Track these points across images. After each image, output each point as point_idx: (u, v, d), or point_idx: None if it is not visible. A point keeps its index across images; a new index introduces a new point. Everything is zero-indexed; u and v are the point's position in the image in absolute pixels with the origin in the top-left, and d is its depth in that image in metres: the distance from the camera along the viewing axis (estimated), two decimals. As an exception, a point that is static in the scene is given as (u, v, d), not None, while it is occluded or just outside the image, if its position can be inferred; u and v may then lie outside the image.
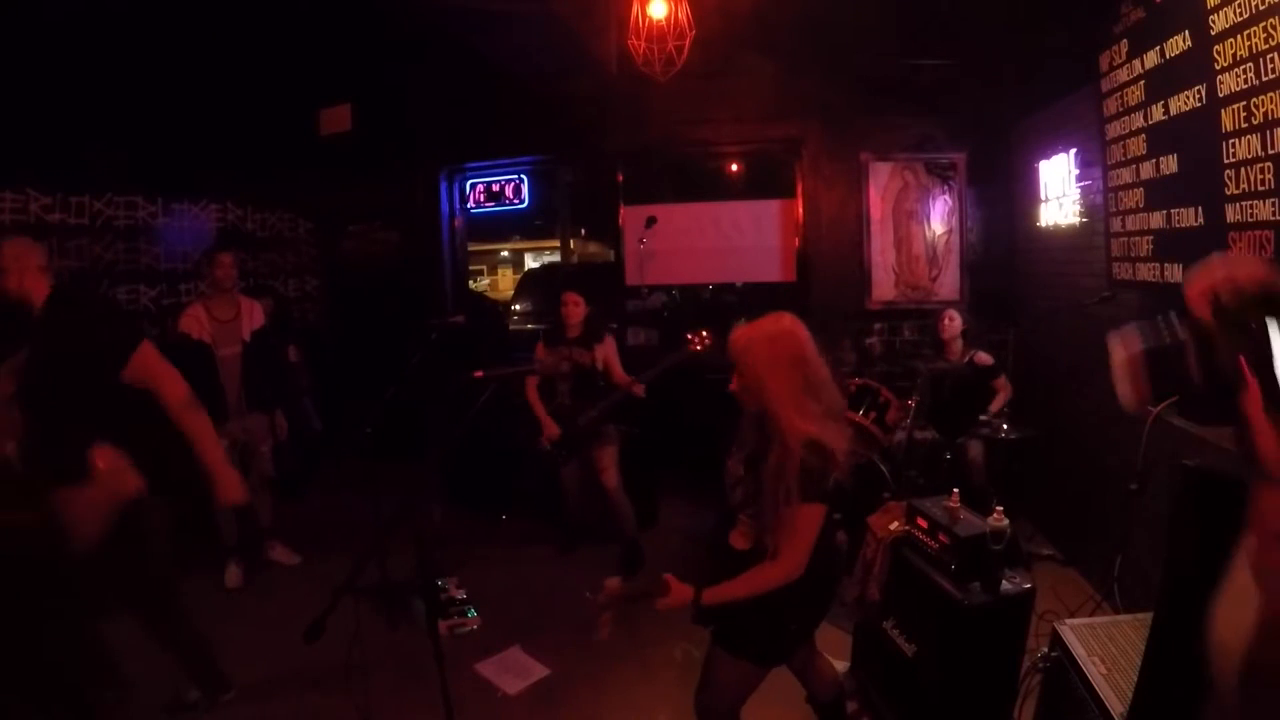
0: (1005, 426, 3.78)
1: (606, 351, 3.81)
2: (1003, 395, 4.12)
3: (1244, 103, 2.31)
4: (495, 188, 6.14)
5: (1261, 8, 2.19)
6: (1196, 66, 2.55)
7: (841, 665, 2.74)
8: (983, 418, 3.97)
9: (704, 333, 3.67)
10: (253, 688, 2.87)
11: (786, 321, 1.88)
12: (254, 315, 3.84)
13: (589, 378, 3.79)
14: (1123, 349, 0.86)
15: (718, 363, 4.03)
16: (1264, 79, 2.20)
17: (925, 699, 2.26)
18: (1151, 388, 0.84)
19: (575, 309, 3.83)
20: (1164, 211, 2.88)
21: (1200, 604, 1.06)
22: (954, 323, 4.28)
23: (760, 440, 1.85)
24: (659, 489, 4.63)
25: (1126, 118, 3.12)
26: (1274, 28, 2.15)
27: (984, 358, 4.18)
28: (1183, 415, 0.88)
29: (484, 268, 14.99)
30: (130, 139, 4.55)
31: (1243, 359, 0.78)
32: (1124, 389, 0.87)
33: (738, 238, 5.45)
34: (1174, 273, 2.86)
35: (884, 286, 5.09)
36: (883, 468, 3.72)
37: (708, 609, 1.85)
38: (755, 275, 5.65)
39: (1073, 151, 3.75)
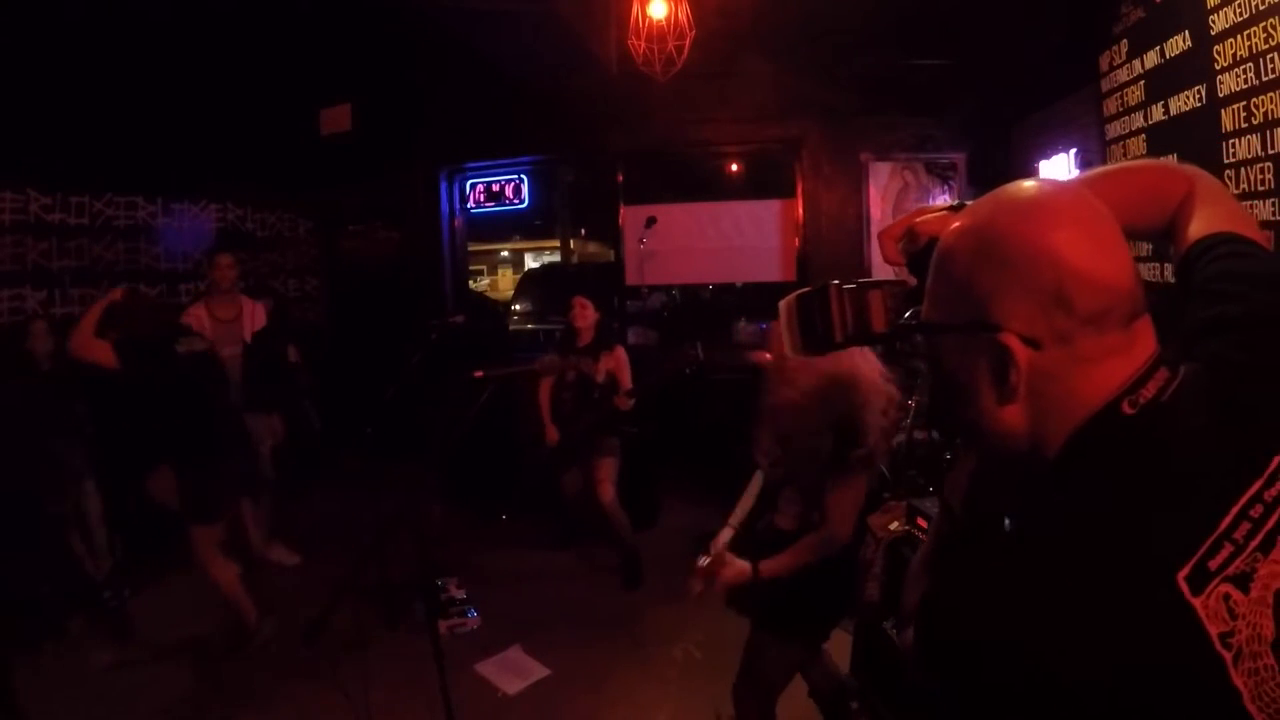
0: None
1: (614, 363, 3.78)
2: None
3: (1244, 103, 2.31)
4: (495, 188, 6.13)
5: (1261, 8, 2.19)
6: (1196, 66, 2.55)
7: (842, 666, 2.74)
8: None
9: (693, 352, 3.69)
10: (252, 687, 2.88)
11: None
12: (256, 316, 3.84)
13: (588, 389, 3.78)
14: (789, 298, 0.84)
15: (717, 364, 3.99)
16: (1264, 79, 2.20)
17: (926, 699, 2.25)
18: (800, 335, 0.81)
19: (584, 312, 3.81)
20: (1164, 211, 2.88)
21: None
22: None
23: (799, 420, 1.94)
24: (659, 489, 4.63)
25: (1126, 118, 3.12)
26: (1274, 28, 2.15)
27: None
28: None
29: (484, 268, 14.98)
30: (130, 139, 4.55)
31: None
32: (782, 335, 0.84)
33: (738, 238, 5.45)
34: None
35: (884, 286, 5.09)
36: (882, 468, 3.71)
37: (762, 585, 1.92)
38: (755, 275, 5.65)
39: (1073, 151, 3.75)
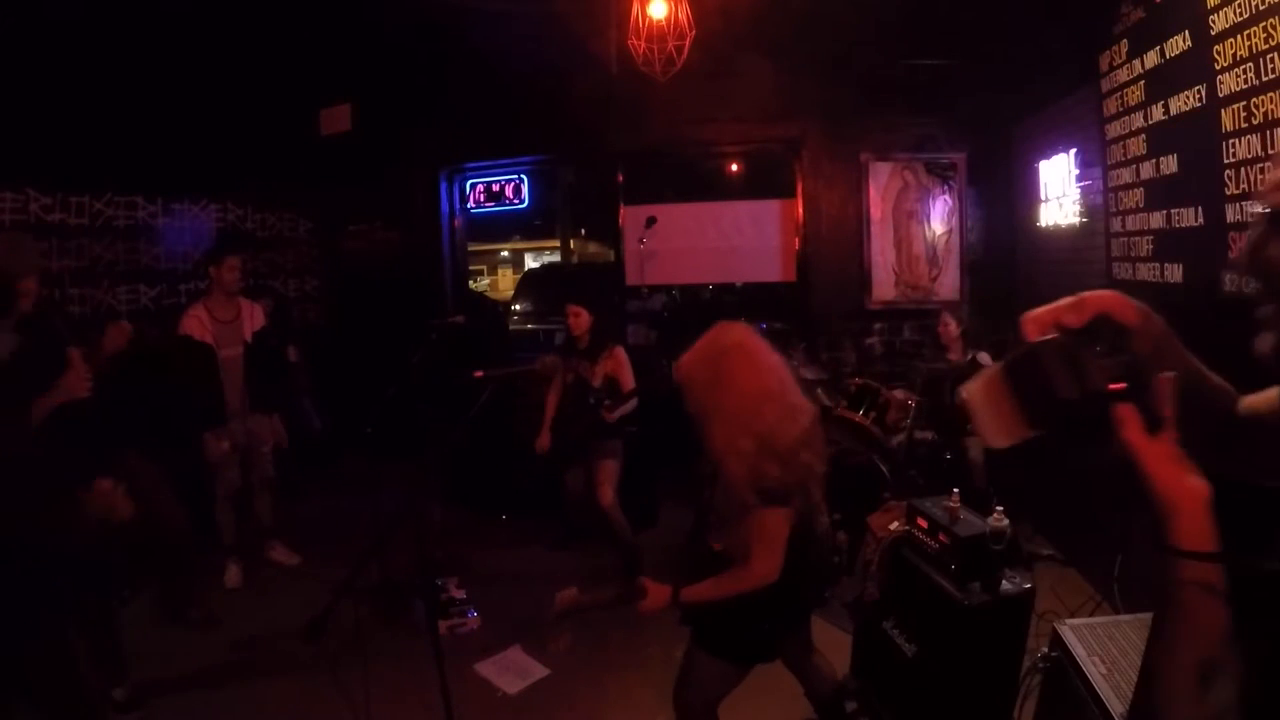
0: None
1: (612, 365, 3.75)
2: None
3: (1244, 103, 2.31)
4: (495, 188, 6.14)
5: (1261, 8, 2.19)
6: (1196, 66, 2.55)
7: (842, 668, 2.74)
8: None
9: (669, 372, 3.67)
10: (252, 688, 2.88)
11: (726, 337, 1.87)
12: (254, 316, 3.84)
13: (585, 393, 3.77)
14: (976, 382, 0.74)
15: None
16: (1264, 79, 2.20)
17: (925, 699, 2.26)
18: (1021, 408, 0.69)
19: (578, 320, 3.78)
20: (1164, 211, 2.88)
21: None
22: (949, 328, 4.26)
23: (713, 448, 1.85)
24: (659, 489, 4.63)
25: (1126, 118, 3.12)
26: (1274, 28, 2.15)
27: (984, 357, 4.18)
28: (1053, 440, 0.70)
29: (484, 268, 15.00)
30: (130, 139, 4.55)
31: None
32: (986, 422, 0.72)
33: (738, 238, 5.45)
34: (1174, 272, 2.86)
35: (884, 286, 5.09)
36: (883, 468, 3.72)
37: (687, 608, 1.88)
38: (755, 275, 5.65)
39: (1073, 151, 3.75)
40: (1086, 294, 0.73)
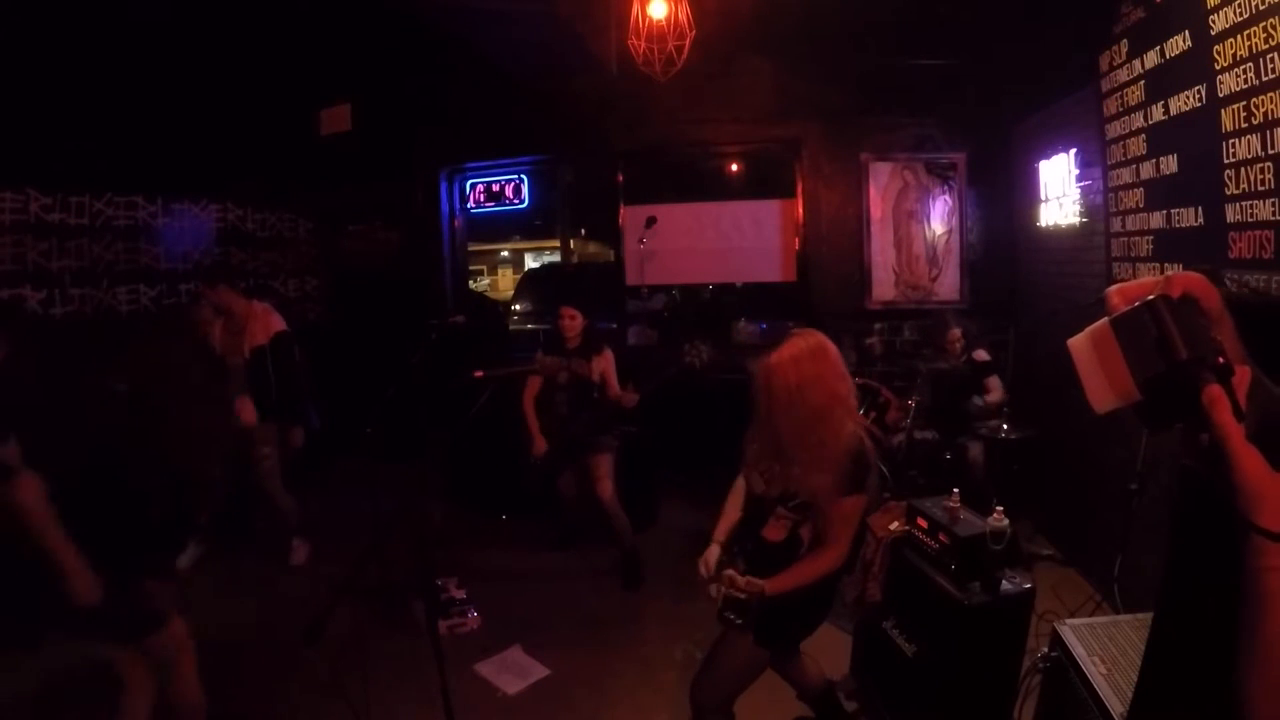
0: (1005, 426, 3.78)
1: (604, 365, 3.77)
2: (994, 395, 4.10)
3: (1244, 103, 2.31)
4: (495, 188, 6.14)
5: (1261, 8, 2.19)
6: (1196, 66, 2.55)
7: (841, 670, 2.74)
8: (976, 402, 3.99)
9: (700, 346, 3.69)
10: (252, 688, 2.88)
11: (814, 339, 1.98)
12: (269, 323, 3.87)
13: (585, 389, 3.77)
14: (1082, 336, 0.71)
15: (717, 364, 4.00)
16: (1264, 79, 2.20)
17: (925, 699, 2.26)
18: (1128, 366, 0.66)
19: (572, 323, 3.79)
20: (1164, 211, 2.88)
21: (1201, 606, 1.06)
22: (956, 342, 4.25)
23: (795, 442, 1.94)
24: (659, 489, 4.63)
25: (1126, 118, 3.12)
26: (1274, 28, 2.15)
27: (982, 354, 4.18)
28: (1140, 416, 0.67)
29: (484, 268, 15.00)
30: (130, 139, 4.55)
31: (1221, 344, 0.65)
32: (1091, 380, 0.69)
33: (738, 238, 5.45)
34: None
35: (884, 286, 5.08)
36: (883, 468, 3.72)
37: (770, 597, 1.93)
38: (755, 275, 5.65)
39: (1073, 151, 3.75)
40: (1174, 274, 0.71)
